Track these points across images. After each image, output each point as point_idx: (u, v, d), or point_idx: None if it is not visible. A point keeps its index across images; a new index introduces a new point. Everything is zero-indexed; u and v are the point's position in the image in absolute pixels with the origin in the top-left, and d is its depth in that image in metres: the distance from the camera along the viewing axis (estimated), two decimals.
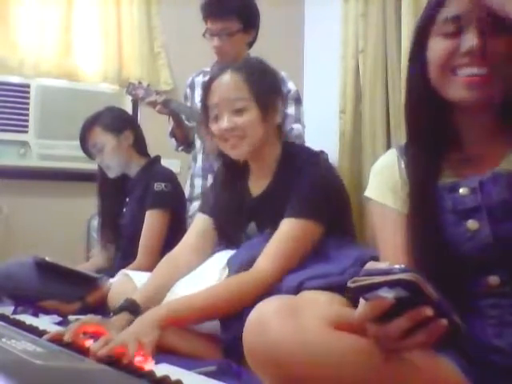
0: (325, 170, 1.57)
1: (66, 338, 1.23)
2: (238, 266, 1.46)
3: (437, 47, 0.96)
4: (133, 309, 1.41)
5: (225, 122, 1.50)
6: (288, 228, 1.47)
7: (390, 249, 1.03)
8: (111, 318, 1.39)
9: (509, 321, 0.92)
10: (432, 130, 1.00)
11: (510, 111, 0.97)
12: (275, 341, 0.79)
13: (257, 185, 1.62)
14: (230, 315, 1.35)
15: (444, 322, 0.75)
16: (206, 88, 1.57)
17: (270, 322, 0.81)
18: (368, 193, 1.11)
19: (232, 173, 1.66)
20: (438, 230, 0.95)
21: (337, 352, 0.79)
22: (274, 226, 1.49)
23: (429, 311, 0.74)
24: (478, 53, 0.91)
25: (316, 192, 1.50)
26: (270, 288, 1.36)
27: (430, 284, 0.74)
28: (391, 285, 0.73)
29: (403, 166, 1.05)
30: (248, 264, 1.44)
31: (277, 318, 0.81)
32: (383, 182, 1.07)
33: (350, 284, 0.75)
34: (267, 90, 1.55)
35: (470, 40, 0.91)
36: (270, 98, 1.55)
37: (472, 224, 0.93)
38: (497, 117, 0.98)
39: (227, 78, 1.53)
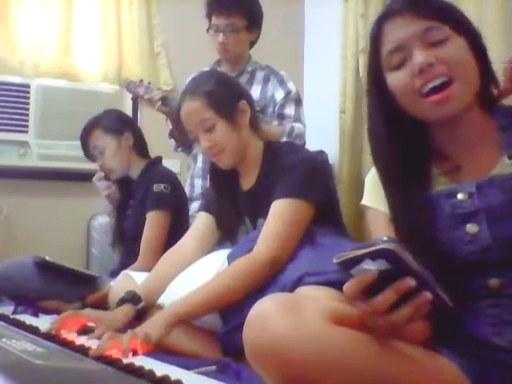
0: (309, 154, 1.63)
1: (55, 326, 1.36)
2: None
3: (393, 82, 1.00)
4: (134, 300, 1.51)
5: (203, 142, 1.62)
6: (278, 209, 1.50)
7: None
8: (112, 311, 1.48)
9: (508, 319, 0.92)
10: (405, 154, 1.02)
11: (488, 109, 1.01)
12: (275, 336, 0.80)
13: (247, 181, 1.69)
14: (236, 302, 1.39)
15: (428, 294, 0.78)
16: (178, 118, 1.67)
17: (270, 317, 0.82)
18: (364, 200, 1.14)
19: (223, 175, 1.72)
20: (434, 236, 0.96)
21: (337, 347, 0.80)
22: (266, 216, 1.52)
23: (412, 282, 0.76)
24: (428, 65, 0.94)
25: (303, 172, 1.53)
26: (273, 269, 1.41)
27: (412, 256, 0.76)
28: (374, 257, 0.75)
29: None
30: None
31: (277, 313, 0.82)
32: (375, 188, 1.09)
33: (335, 260, 0.77)
34: (226, 99, 1.62)
35: (417, 59, 0.95)
36: (233, 105, 1.62)
37: (471, 227, 0.94)
38: (479, 119, 1.00)
39: (187, 106, 1.63)
